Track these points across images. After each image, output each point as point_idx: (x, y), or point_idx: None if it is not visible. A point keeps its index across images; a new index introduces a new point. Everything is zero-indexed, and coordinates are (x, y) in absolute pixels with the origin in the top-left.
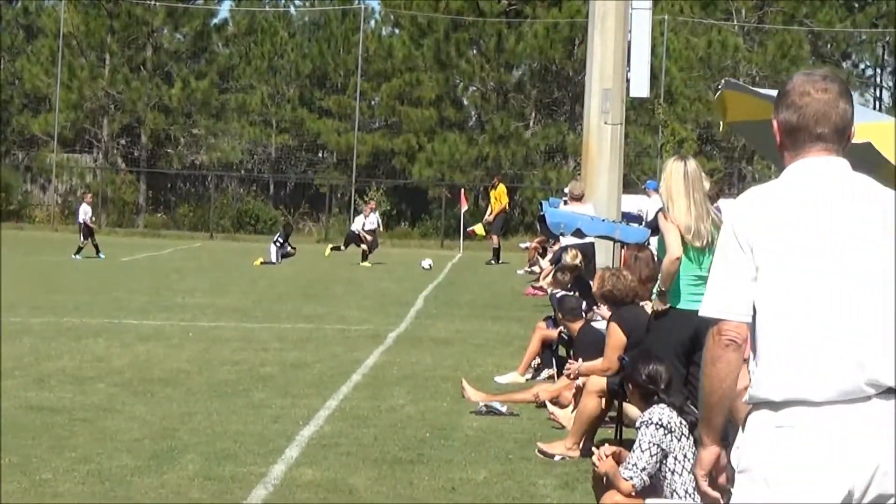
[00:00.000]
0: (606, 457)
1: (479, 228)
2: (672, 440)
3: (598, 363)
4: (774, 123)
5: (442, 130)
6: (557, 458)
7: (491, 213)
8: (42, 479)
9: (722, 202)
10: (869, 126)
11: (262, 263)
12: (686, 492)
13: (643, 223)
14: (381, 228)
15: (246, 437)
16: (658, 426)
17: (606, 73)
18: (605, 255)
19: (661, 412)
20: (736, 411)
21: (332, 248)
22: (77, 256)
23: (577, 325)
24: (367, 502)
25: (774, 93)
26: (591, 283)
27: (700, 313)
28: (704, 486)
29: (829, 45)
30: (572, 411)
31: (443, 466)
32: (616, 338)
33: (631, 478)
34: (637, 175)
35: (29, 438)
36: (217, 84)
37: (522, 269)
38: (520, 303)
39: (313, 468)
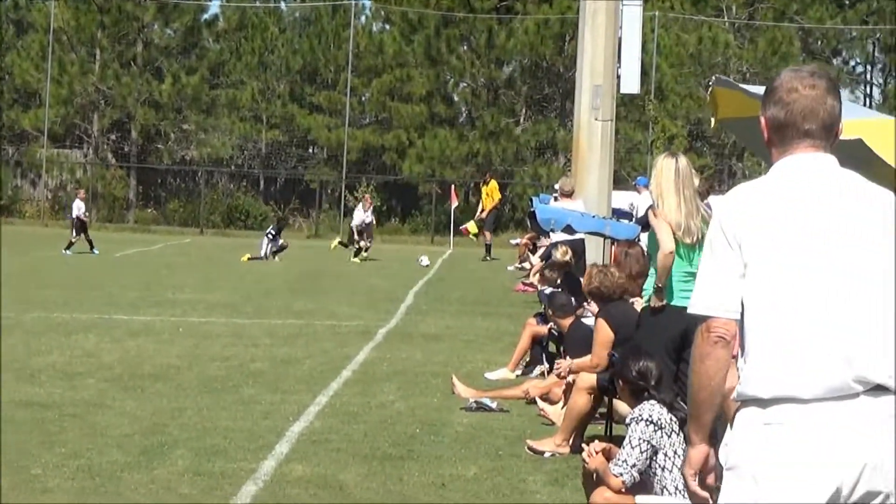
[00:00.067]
0: (596, 453)
1: (471, 226)
2: (662, 437)
3: (586, 360)
4: (762, 120)
5: (432, 126)
6: (547, 454)
7: (482, 210)
8: (32, 474)
9: (712, 199)
10: (860, 122)
11: (249, 259)
12: (676, 488)
13: (633, 219)
14: (374, 224)
15: (236, 433)
16: (648, 423)
17: (597, 70)
18: (595, 252)
19: (652, 409)
20: (727, 409)
21: (338, 243)
22: (67, 252)
23: (567, 322)
24: (357, 498)
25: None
26: (580, 279)
27: (689, 310)
28: (693, 485)
29: (819, 42)
30: (562, 408)
31: (433, 462)
32: (604, 334)
33: (621, 474)
34: (627, 171)
35: (19, 434)
36: (207, 80)
37: (513, 265)
38: (510, 299)
39: (303, 464)
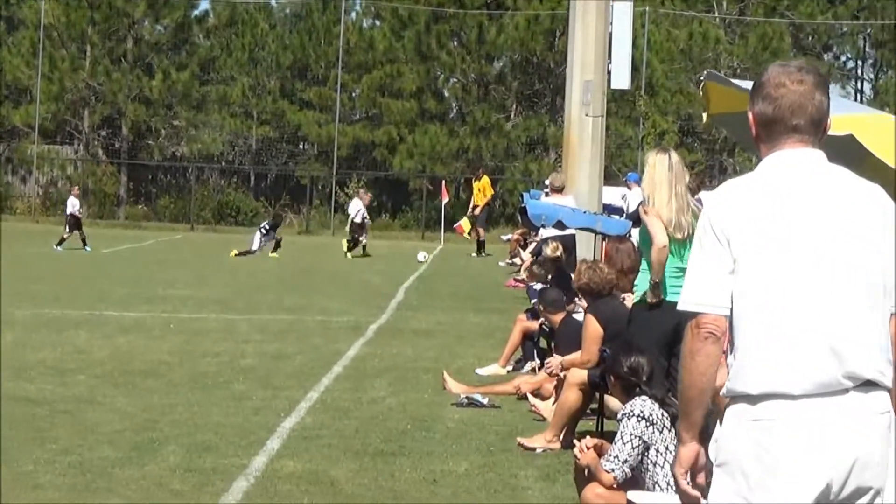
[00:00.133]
0: (588, 449)
1: (465, 223)
2: (654, 432)
3: (577, 356)
4: (750, 115)
5: (423, 122)
6: (539, 450)
7: (474, 206)
8: (23, 470)
9: (703, 194)
10: (851, 118)
11: (237, 255)
12: (668, 484)
13: (624, 215)
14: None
15: (227, 429)
16: (640, 418)
17: (587, 65)
18: (585, 247)
19: (643, 404)
20: (719, 405)
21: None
22: (59, 248)
23: (558, 317)
24: (348, 494)
25: None
26: (571, 275)
27: (678, 307)
28: (684, 484)
29: (810, 38)
30: (553, 403)
31: (424, 458)
32: (593, 330)
33: (612, 470)
34: (618, 167)
35: (10, 430)
36: (198, 76)
37: (504, 260)
38: (501, 294)
39: (294, 460)
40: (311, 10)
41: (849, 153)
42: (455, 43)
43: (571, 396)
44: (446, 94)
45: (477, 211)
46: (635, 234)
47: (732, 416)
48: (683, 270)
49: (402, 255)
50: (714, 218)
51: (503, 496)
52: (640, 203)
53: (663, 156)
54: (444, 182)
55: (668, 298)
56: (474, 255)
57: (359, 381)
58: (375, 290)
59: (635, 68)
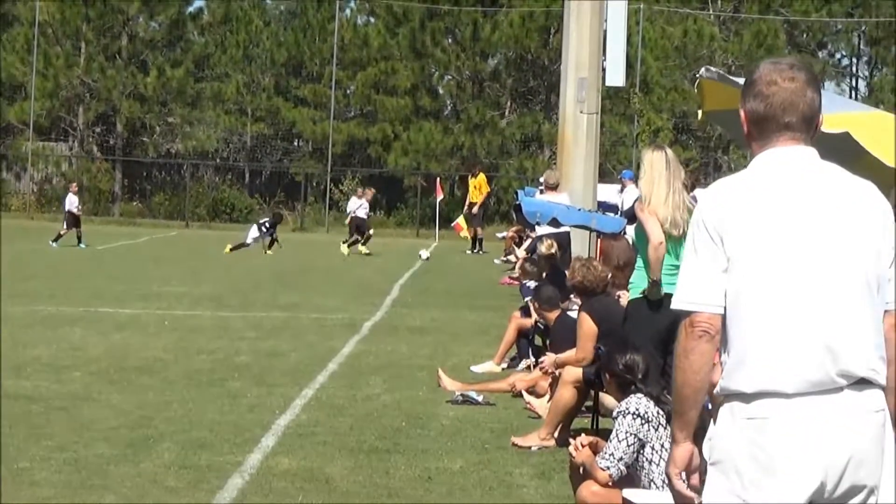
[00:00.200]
0: (583, 447)
1: (462, 222)
2: (649, 430)
3: (571, 354)
4: (742, 113)
5: (417, 119)
6: (534, 448)
7: (470, 203)
8: (19, 467)
9: (697, 192)
10: (847, 116)
11: (231, 249)
12: (664, 482)
13: (619, 213)
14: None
15: (222, 426)
16: (635, 416)
17: (582, 62)
18: (580, 245)
19: (639, 402)
20: (714, 401)
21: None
22: (55, 244)
23: (553, 315)
24: (343, 491)
25: None
26: (566, 272)
27: (672, 306)
28: (679, 485)
29: (804, 35)
30: (548, 401)
31: (419, 456)
32: (587, 328)
33: (608, 468)
34: (613, 164)
35: (5, 427)
36: (192, 73)
37: (499, 258)
38: (496, 292)
39: (289, 457)
40: (306, 6)
41: (844, 151)
42: (449, 40)
43: (566, 394)
44: (441, 91)
45: (475, 209)
46: (630, 230)
47: (726, 415)
48: (678, 268)
49: (396, 252)
50: (707, 216)
51: (498, 494)
52: (636, 200)
53: (660, 153)
54: (438, 179)
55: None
56: (469, 252)
57: (354, 378)
58: (370, 287)
59: (630, 65)
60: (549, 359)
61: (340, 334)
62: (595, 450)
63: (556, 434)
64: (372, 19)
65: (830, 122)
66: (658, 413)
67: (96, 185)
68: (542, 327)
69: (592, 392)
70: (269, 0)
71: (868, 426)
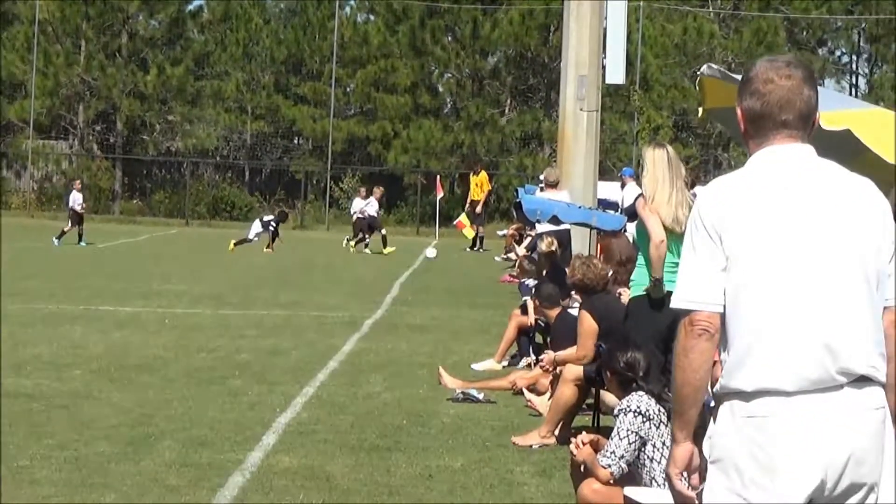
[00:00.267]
0: (584, 444)
1: (464, 219)
2: (650, 428)
3: (572, 352)
4: (738, 111)
5: (417, 117)
6: (535, 446)
7: (472, 200)
8: (19, 465)
9: (698, 189)
10: (848, 113)
11: (235, 245)
12: (665, 480)
13: (619, 210)
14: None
15: (222, 424)
16: (636, 414)
17: (582, 60)
18: (580, 243)
19: (640, 400)
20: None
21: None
22: (58, 242)
23: (554, 313)
24: (344, 489)
25: None
26: (566, 270)
27: (671, 305)
28: (679, 485)
29: (804, 32)
30: (549, 398)
31: (420, 453)
32: (588, 326)
33: (609, 465)
34: (613, 162)
35: (6, 425)
36: (192, 71)
37: (500, 255)
38: (496, 290)
39: (290, 455)
40: (306, 4)
41: (845, 149)
42: (449, 38)
43: (567, 392)
44: (441, 88)
45: (478, 208)
46: (630, 228)
47: (726, 413)
48: None
49: (397, 250)
50: (705, 215)
51: (499, 492)
52: (638, 197)
53: (661, 151)
54: (438, 177)
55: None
56: (469, 249)
57: (354, 376)
58: (370, 285)
59: (630, 63)
60: (548, 356)
61: (341, 332)
62: (596, 448)
63: (556, 432)
64: (372, 17)
65: (831, 120)
66: (659, 411)
67: (96, 184)
68: (542, 325)
69: (593, 390)
70: None
71: (868, 424)
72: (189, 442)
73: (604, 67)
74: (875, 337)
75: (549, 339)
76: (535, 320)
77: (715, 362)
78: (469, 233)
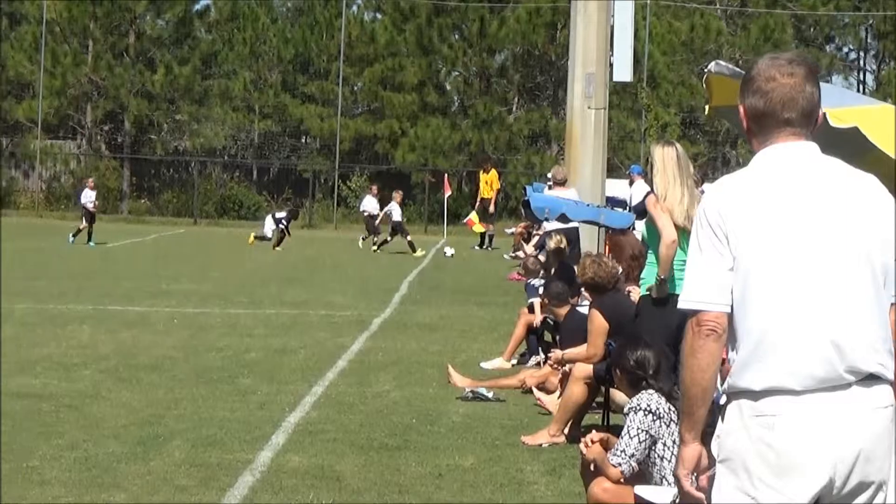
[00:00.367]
0: (593, 443)
1: (474, 216)
2: (661, 426)
3: (582, 350)
4: (741, 109)
5: (425, 115)
6: (544, 445)
7: (482, 198)
8: (29, 466)
9: (706, 186)
10: (856, 110)
11: (255, 238)
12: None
13: (627, 208)
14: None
15: (232, 423)
16: (647, 412)
17: (589, 58)
18: (589, 241)
19: (650, 398)
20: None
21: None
22: (73, 239)
23: (563, 311)
24: (353, 489)
25: None
26: (575, 268)
27: (679, 305)
28: (687, 486)
29: (812, 29)
30: (559, 397)
31: (429, 452)
32: (598, 324)
33: (619, 464)
34: (621, 159)
35: (16, 425)
36: (200, 70)
37: (508, 253)
38: (504, 288)
39: (300, 455)
40: (313, 3)
41: (852, 146)
42: (456, 36)
43: (576, 390)
44: (448, 87)
45: (490, 207)
46: (639, 226)
47: (735, 412)
48: None
49: (405, 248)
50: (711, 215)
51: (509, 491)
52: (647, 195)
53: (671, 149)
54: (446, 175)
55: (676, 291)
56: (477, 248)
57: (363, 375)
58: (379, 283)
59: (637, 60)
60: (555, 354)
61: (350, 331)
62: (606, 446)
63: (566, 430)
64: (379, 15)
65: (839, 117)
66: (669, 409)
67: (104, 183)
68: (551, 323)
69: (603, 388)
70: None
71: (877, 422)
72: (198, 441)
73: (611, 65)
74: (882, 334)
75: (558, 338)
76: (544, 318)
77: (724, 360)
78: (479, 229)
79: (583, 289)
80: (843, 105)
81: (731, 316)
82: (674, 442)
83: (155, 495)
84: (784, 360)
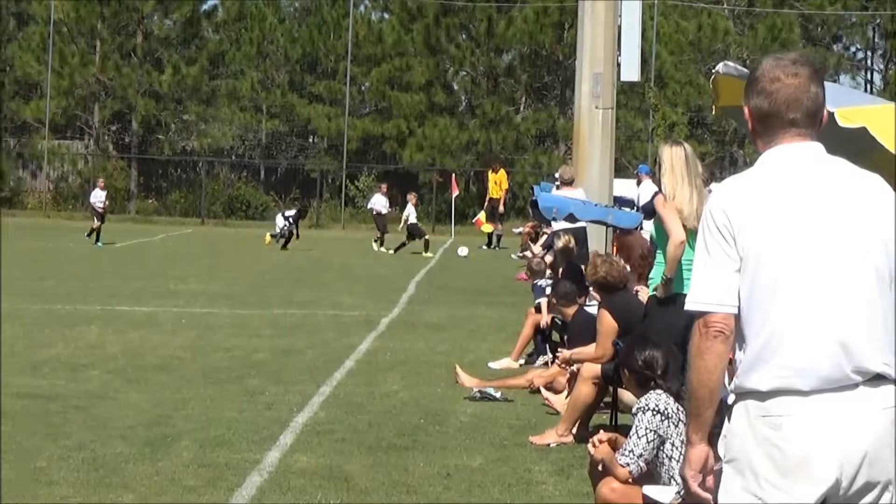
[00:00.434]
0: (602, 443)
1: (483, 216)
2: (669, 426)
3: (590, 350)
4: (745, 109)
5: (432, 115)
6: (552, 445)
7: (490, 198)
8: (37, 466)
9: (713, 186)
10: (864, 110)
11: (271, 238)
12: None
13: (635, 208)
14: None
15: (240, 424)
16: (655, 412)
17: (597, 57)
18: (596, 240)
19: (658, 398)
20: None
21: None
22: (88, 237)
23: (571, 310)
24: (362, 489)
25: None
26: (583, 267)
27: (686, 307)
28: (695, 487)
29: (819, 29)
30: (567, 397)
31: (438, 453)
32: (607, 324)
33: (628, 464)
34: (628, 159)
35: (23, 426)
36: (207, 70)
37: (516, 253)
38: (512, 288)
39: (308, 455)
40: (320, 3)
41: (859, 145)
42: (464, 36)
43: (584, 390)
44: (455, 87)
45: (500, 208)
46: (647, 225)
47: (741, 413)
48: None
49: (412, 248)
50: (717, 216)
51: (517, 491)
52: (655, 195)
53: (679, 149)
54: (454, 175)
55: (685, 291)
56: (484, 248)
57: (371, 375)
58: (386, 283)
59: (644, 60)
60: (563, 354)
61: (357, 331)
62: (614, 446)
63: (574, 430)
64: (386, 15)
65: (847, 117)
66: (678, 409)
67: (112, 184)
68: (559, 322)
69: (611, 388)
70: None
71: (883, 423)
72: (206, 442)
73: (619, 65)
74: (888, 335)
75: (566, 337)
76: (552, 318)
77: (731, 360)
78: (487, 228)
79: (591, 288)
80: (850, 104)
81: (737, 317)
82: (682, 442)
83: (163, 496)
84: (791, 360)
